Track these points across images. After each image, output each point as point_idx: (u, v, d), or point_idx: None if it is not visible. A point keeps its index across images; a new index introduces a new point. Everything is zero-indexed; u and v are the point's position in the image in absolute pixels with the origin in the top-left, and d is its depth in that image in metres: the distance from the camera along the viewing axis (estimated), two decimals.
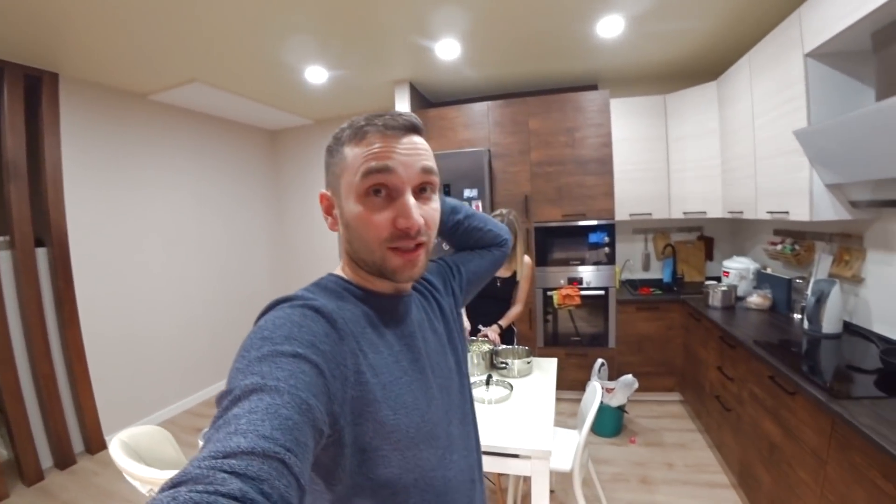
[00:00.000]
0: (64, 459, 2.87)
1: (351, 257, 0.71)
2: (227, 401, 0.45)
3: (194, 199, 3.97)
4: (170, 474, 1.37)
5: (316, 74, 3.30)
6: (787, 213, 2.29)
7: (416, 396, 0.66)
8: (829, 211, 2.09)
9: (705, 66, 3.44)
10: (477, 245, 1.00)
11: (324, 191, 0.70)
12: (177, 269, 3.78)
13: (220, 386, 3.83)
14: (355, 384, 0.58)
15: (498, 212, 2.35)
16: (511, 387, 2.00)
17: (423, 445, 0.65)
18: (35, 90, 2.79)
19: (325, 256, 4.81)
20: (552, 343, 3.57)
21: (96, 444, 3.05)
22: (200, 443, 1.64)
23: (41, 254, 2.86)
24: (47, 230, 2.86)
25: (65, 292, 2.91)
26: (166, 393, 3.66)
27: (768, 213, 2.47)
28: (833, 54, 2.00)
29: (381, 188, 0.63)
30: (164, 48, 2.68)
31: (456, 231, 0.96)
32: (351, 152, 0.64)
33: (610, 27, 2.72)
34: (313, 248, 4.89)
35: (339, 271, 0.73)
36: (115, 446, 1.49)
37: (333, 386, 0.54)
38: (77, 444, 3.01)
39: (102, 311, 3.16)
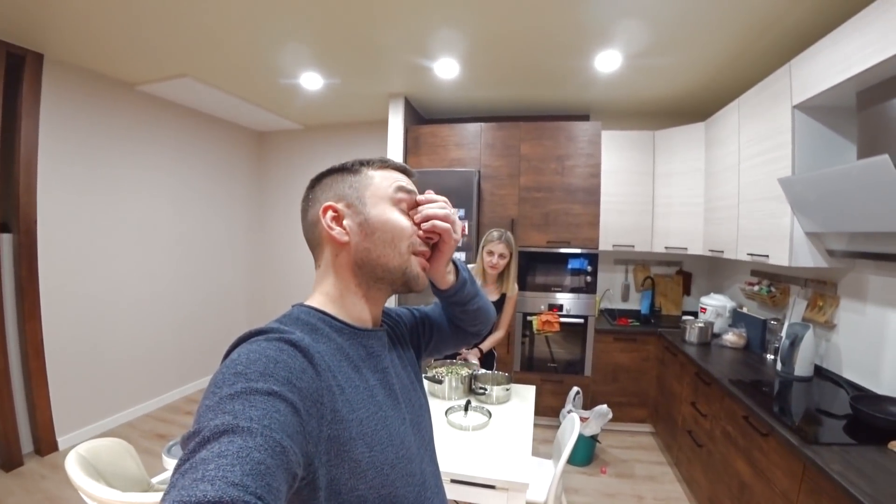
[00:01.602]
0: (10, 460, 2.69)
1: (359, 271, 0.71)
2: (195, 442, 0.42)
3: (173, 195, 3.85)
4: (131, 498, 1.28)
5: (311, 80, 3.27)
6: (766, 256, 2.36)
7: (391, 433, 0.65)
8: (808, 258, 2.17)
9: (695, 107, 3.56)
10: (458, 323, 0.95)
11: (329, 202, 0.70)
12: (148, 267, 3.65)
13: (184, 391, 3.73)
14: (332, 422, 0.56)
15: (494, 229, 2.37)
16: (490, 414, 1.98)
17: (399, 483, 0.64)
18: (17, 69, 2.68)
19: (305, 265, 4.73)
20: (528, 368, 3.57)
21: (47, 445, 2.87)
22: (164, 457, 1.55)
23: (6, 240, 2.72)
24: (15, 215, 2.72)
25: (27, 282, 2.77)
26: (127, 395, 3.49)
27: (749, 254, 2.54)
28: (820, 108, 2.09)
29: (407, 205, 0.74)
30: (158, 40, 2.61)
31: (451, 309, 0.92)
32: (378, 173, 0.74)
33: (607, 62, 2.79)
34: (293, 255, 4.80)
35: (311, 302, 0.71)
36: (72, 461, 1.39)
37: (309, 425, 0.51)
38: (26, 444, 2.83)
39: (66, 304, 3.01)
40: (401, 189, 0.73)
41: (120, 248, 3.39)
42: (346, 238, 0.69)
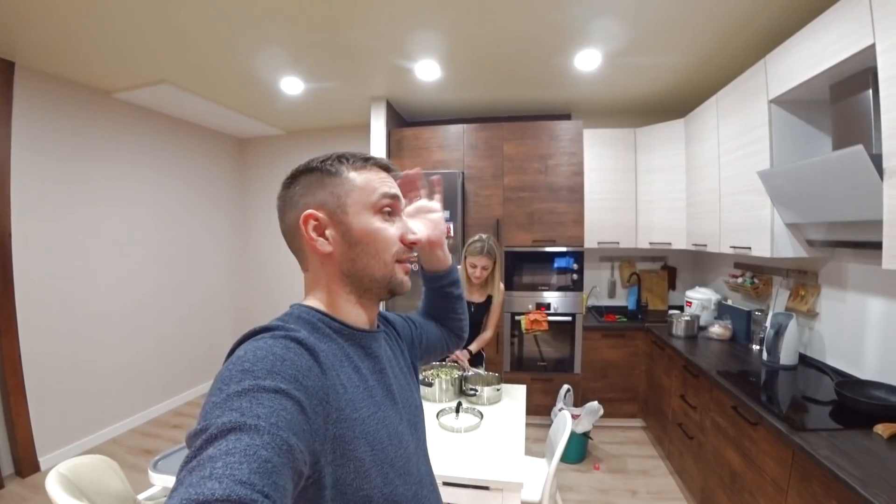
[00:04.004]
0: None
1: (347, 280, 0.70)
2: (202, 439, 0.42)
3: (154, 205, 3.78)
4: None
5: (291, 85, 3.24)
6: (749, 248, 2.39)
7: (391, 432, 0.66)
8: (789, 248, 2.21)
9: (674, 104, 3.62)
10: (444, 319, 1.02)
11: (310, 210, 0.67)
12: (129, 278, 3.56)
13: (170, 404, 3.64)
14: (337, 421, 0.56)
15: (477, 237, 2.35)
16: (481, 415, 1.97)
17: (398, 481, 0.64)
18: None
19: (290, 273, 4.67)
20: (518, 368, 3.57)
21: (28, 466, 2.78)
22: (150, 472, 1.51)
23: None
24: None
25: (3, 296, 2.68)
26: (111, 410, 3.40)
27: (731, 247, 2.58)
28: (795, 102, 2.14)
29: (391, 209, 0.71)
30: (134, 46, 2.56)
31: (443, 297, 1.00)
32: (360, 176, 0.70)
33: (587, 61, 2.82)
34: (278, 264, 4.74)
35: (309, 303, 0.70)
36: (52, 480, 1.34)
37: (315, 423, 0.52)
38: (6, 465, 2.73)
39: (44, 318, 2.93)
40: (385, 196, 0.70)
41: (99, 259, 3.32)
42: (329, 249, 0.68)
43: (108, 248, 3.39)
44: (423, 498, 0.71)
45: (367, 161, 0.72)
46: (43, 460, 2.85)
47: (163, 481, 1.69)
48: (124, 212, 3.51)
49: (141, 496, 1.68)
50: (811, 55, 1.86)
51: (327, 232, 0.68)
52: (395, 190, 0.73)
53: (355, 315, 0.71)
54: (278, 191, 0.73)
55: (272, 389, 0.48)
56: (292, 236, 0.71)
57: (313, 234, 0.67)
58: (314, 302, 0.70)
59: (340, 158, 0.71)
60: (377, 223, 0.69)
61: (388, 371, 0.73)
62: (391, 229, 0.71)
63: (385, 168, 0.74)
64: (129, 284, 3.56)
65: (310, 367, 0.55)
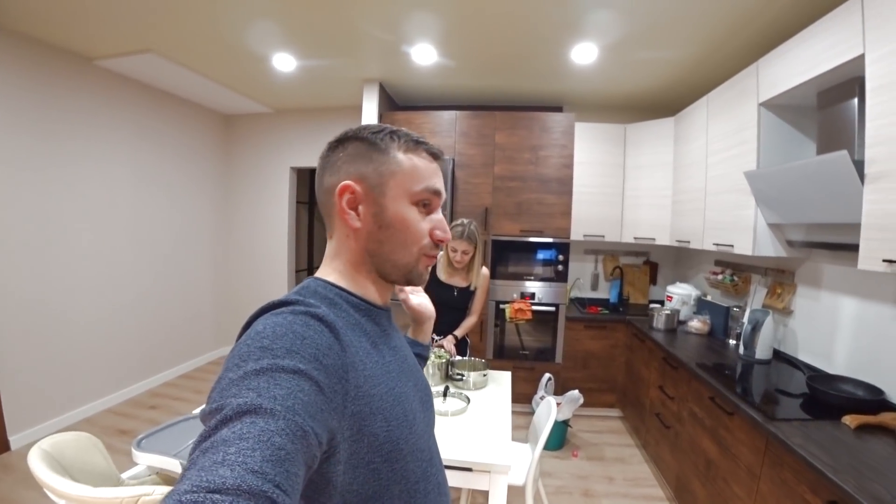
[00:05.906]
0: None
1: (369, 258, 0.69)
2: (217, 420, 0.42)
3: (134, 178, 3.66)
4: (102, 493, 1.22)
5: (284, 62, 3.17)
6: (731, 246, 2.47)
7: (405, 408, 0.66)
8: (769, 248, 2.29)
9: (665, 102, 3.68)
10: None
11: (349, 182, 0.65)
12: (106, 254, 3.46)
13: (148, 384, 3.55)
14: (355, 398, 0.56)
15: (459, 221, 2.35)
16: (468, 399, 2.00)
17: (409, 458, 0.65)
18: None
19: (273, 255, 4.62)
20: (500, 356, 3.62)
21: None
22: (134, 451, 1.47)
23: None
24: None
25: None
26: (85, 389, 3.31)
27: (714, 244, 2.66)
28: (784, 106, 2.20)
29: (428, 202, 0.70)
30: (119, 10, 2.45)
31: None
32: (408, 159, 0.68)
33: (584, 54, 2.83)
34: (261, 244, 4.68)
35: (325, 276, 0.69)
36: (35, 457, 1.30)
37: (335, 402, 0.52)
38: None
39: (15, 293, 2.82)
40: (426, 190, 0.68)
41: (75, 234, 3.20)
42: (358, 225, 0.67)
43: (85, 223, 3.28)
44: (432, 476, 0.72)
45: (418, 144, 0.69)
46: (13, 439, 2.78)
47: (147, 460, 1.66)
48: (102, 185, 3.39)
49: (124, 475, 1.65)
50: (803, 61, 1.91)
51: (360, 207, 0.66)
52: (440, 185, 0.70)
53: (373, 291, 0.71)
54: (322, 150, 0.70)
55: (291, 370, 0.47)
56: (326, 200, 0.69)
57: (346, 207, 0.66)
58: (332, 275, 0.69)
59: (392, 135, 0.68)
60: (411, 214, 0.68)
61: (400, 349, 0.74)
62: (423, 223, 0.69)
63: (435, 155, 0.72)
64: (105, 260, 3.45)
65: (330, 346, 0.54)
